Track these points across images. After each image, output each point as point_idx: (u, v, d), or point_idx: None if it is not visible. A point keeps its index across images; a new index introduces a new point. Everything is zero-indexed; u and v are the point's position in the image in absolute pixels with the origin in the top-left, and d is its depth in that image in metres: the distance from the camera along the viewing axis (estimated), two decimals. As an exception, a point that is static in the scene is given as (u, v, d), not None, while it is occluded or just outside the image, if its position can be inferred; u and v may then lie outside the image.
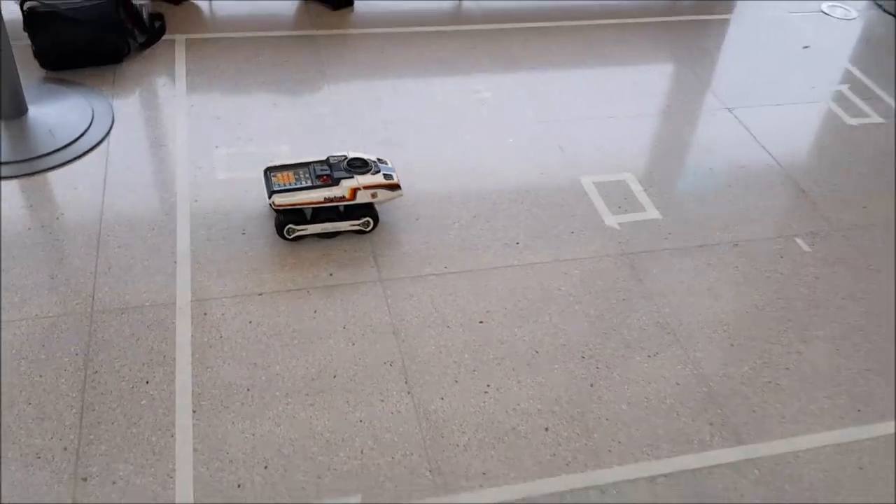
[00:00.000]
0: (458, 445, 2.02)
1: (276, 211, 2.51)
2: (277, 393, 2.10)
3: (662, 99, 3.45)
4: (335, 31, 3.68)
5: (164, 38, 3.48)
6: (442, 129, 3.13)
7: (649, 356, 2.30)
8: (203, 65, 3.35)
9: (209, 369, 2.13)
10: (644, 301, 2.47)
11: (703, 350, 2.33)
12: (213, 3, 3.81)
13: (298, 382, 2.13)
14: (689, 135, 3.26)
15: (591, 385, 2.20)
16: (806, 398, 2.23)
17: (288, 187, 2.49)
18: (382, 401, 2.10)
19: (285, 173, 2.54)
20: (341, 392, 2.11)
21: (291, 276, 2.44)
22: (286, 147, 2.92)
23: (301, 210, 2.52)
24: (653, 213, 2.81)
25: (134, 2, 3.36)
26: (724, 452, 2.07)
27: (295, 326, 2.28)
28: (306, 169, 2.56)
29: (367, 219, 2.59)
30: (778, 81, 3.65)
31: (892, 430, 2.17)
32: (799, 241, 2.75)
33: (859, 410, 2.22)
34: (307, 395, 2.10)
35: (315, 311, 2.33)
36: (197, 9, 3.75)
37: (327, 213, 2.54)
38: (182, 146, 2.90)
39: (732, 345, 2.36)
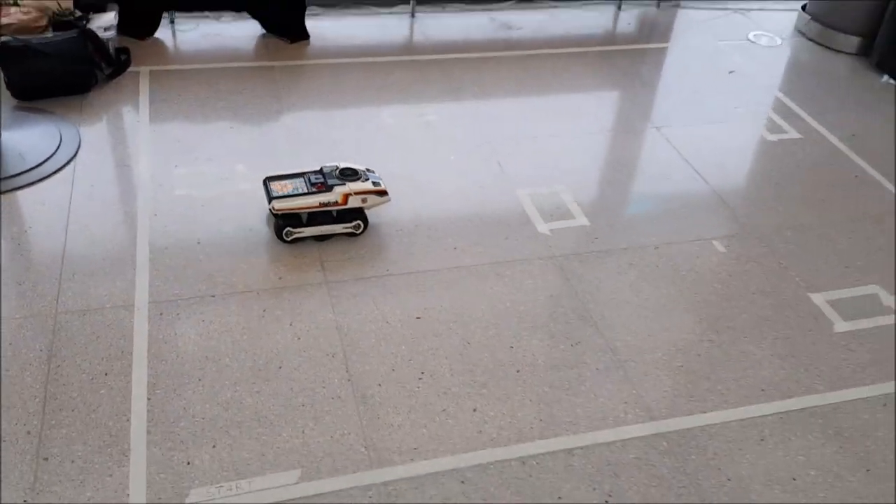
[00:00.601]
0: (392, 425, 2.21)
1: (276, 216, 2.74)
2: (227, 382, 2.28)
3: (597, 120, 3.71)
4: (291, 62, 3.92)
5: (130, 69, 3.70)
6: (389, 148, 3.36)
7: (572, 345, 2.51)
8: (165, 94, 3.56)
9: (163, 362, 2.31)
10: (569, 298, 2.68)
11: (622, 339, 2.54)
12: (178, 37, 4.04)
13: (246, 373, 2.31)
14: (619, 151, 3.51)
15: (518, 371, 2.40)
16: (714, 379, 2.44)
17: (286, 194, 2.72)
18: (324, 387, 2.29)
19: (283, 182, 2.78)
20: (286, 381, 2.30)
21: (243, 280, 2.63)
22: (241, 166, 3.13)
23: (298, 215, 2.75)
24: (582, 220, 3.04)
25: (101, 37, 3.58)
26: (636, 427, 2.27)
27: (244, 324, 2.47)
28: (302, 178, 2.80)
29: (358, 222, 2.82)
30: (704, 103, 3.93)
31: (792, 407, 2.39)
32: (715, 243, 2.99)
33: (763, 390, 2.43)
34: (254, 383, 2.28)
35: (264, 311, 2.52)
36: (161, 43, 3.98)
37: (322, 216, 2.77)
38: (144, 166, 3.10)
39: (649, 335, 2.57)
